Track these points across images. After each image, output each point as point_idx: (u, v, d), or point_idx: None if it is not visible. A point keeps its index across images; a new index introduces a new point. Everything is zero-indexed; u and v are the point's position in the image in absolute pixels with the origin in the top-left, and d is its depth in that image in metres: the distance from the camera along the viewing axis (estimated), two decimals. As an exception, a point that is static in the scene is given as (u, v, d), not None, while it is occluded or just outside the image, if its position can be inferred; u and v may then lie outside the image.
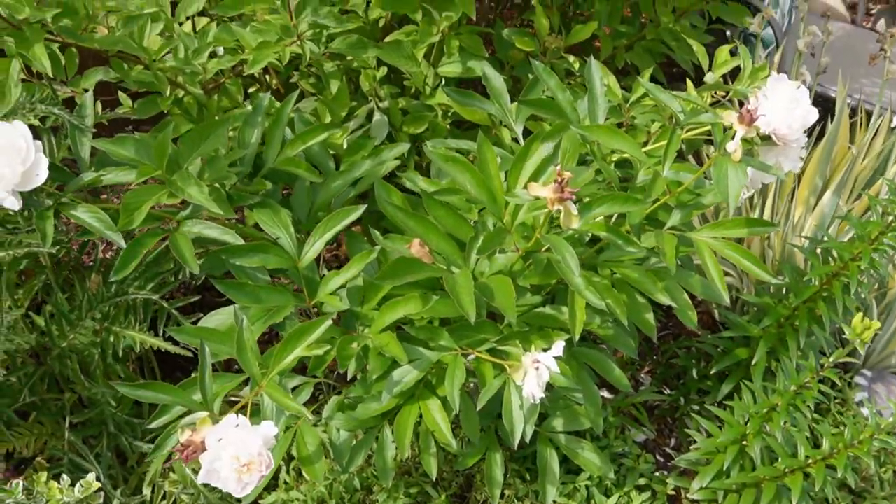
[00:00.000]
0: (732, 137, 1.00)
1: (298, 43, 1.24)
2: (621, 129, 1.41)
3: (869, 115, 1.91)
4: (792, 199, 1.69)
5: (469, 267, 1.05)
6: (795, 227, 1.65)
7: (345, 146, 1.42)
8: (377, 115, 1.52)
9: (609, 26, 1.72)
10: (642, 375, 1.71)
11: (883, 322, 1.56)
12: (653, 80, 1.63)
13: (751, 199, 1.72)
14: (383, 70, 1.54)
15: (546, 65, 1.54)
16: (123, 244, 1.03)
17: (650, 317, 1.18)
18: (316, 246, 1.09)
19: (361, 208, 1.11)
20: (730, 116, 1.01)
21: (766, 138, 1.07)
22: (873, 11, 3.58)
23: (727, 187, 0.99)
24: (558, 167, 0.92)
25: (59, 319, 1.20)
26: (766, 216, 1.68)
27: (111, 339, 1.18)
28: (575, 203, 0.93)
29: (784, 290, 1.45)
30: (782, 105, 1.05)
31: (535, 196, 0.93)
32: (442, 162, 1.04)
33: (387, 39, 1.51)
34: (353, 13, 1.51)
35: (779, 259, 1.63)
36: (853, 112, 1.95)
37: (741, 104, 1.11)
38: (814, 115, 1.07)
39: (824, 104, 2.22)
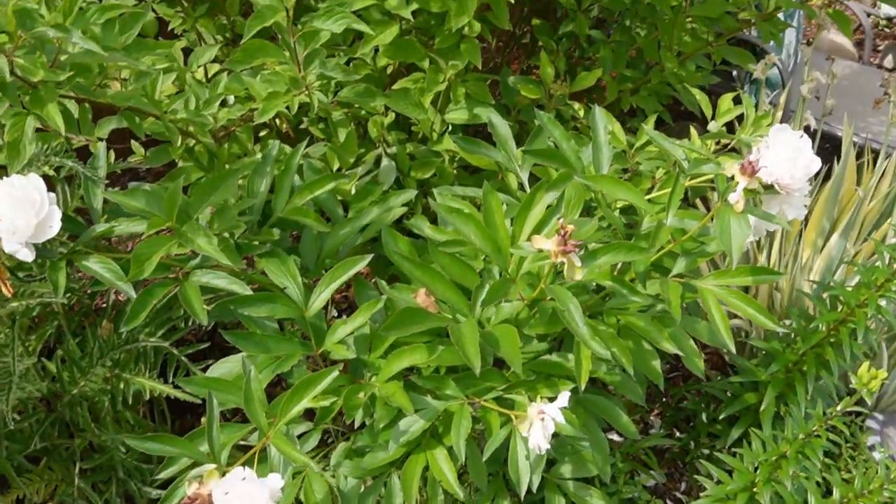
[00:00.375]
0: (735, 189, 1.01)
1: (307, 93, 1.27)
2: (626, 173, 1.43)
3: (876, 154, 1.91)
4: (799, 240, 1.69)
5: (475, 316, 1.06)
6: (803, 269, 1.65)
7: (353, 192, 1.44)
8: (385, 161, 1.54)
9: (614, 71, 1.74)
10: (652, 418, 1.70)
11: (892, 366, 1.55)
12: (658, 120, 1.65)
13: (758, 241, 1.72)
14: (391, 116, 1.57)
15: (551, 111, 1.56)
16: (134, 295, 1.04)
17: (657, 364, 1.18)
18: (323, 296, 1.10)
19: (367, 258, 1.12)
20: (732, 168, 1.02)
21: (770, 187, 1.08)
22: (881, 47, 3.60)
23: (730, 239, 0.99)
24: (561, 220, 0.93)
25: (71, 366, 1.22)
26: (774, 257, 1.68)
27: (121, 385, 1.19)
28: (579, 253, 0.94)
29: (792, 334, 1.44)
30: (785, 155, 1.06)
31: (538, 249, 0.94)
32: (446, 214, 1.06)
33: (395, 87, 1.54)
34: (360, 61, 1.55)
35: (787, 301, 1.63)
36: (860, 152, 1.96)
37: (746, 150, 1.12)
38: (816, 164, 1.08)
39: (832, 142, 2.24)
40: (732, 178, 1.02)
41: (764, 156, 1.05)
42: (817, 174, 1.94)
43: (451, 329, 1.01)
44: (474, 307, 1.06)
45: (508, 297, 1.05)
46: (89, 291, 1.28)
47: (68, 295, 1.26)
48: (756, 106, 1.75)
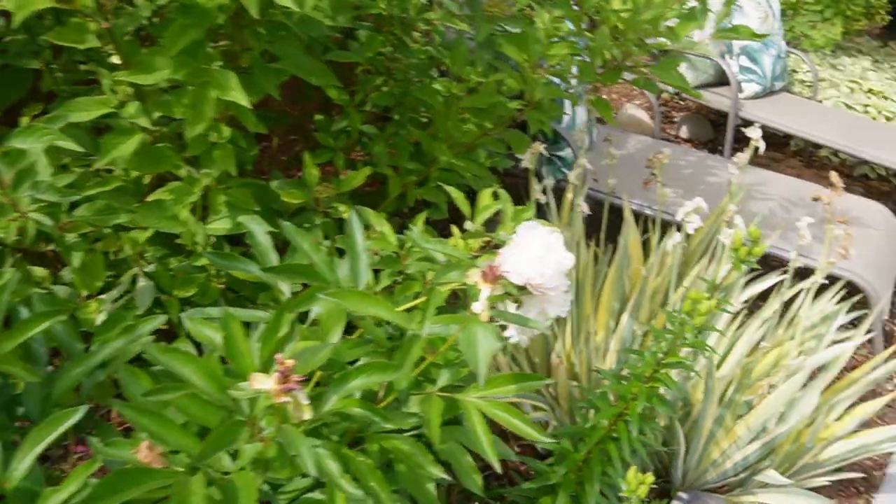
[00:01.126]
0: (478, 297, 0.95)
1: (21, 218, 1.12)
2: (401, 275, 1.36)
3: (666, 225, 1.97)
4: (592, 321, 1.68)
5: (208, 467, 0.92)
6: (598, 350, 1.64)
7: (101, 320, 1.28)
8: (142, 281, 1.40)
9: (396, 164, 1.70)
10: (466, 525, 1.60)
11: (690, 442, 1.55)
12: (451, 212, 1.59)
13: (553, 325, 1.70)
14: (150, 231, 1.43)
15: (319, 214, 1.48)
16: None
17: (432, 487, 1.09)
18: (27, 461, 0.93)
19: (83, 410, 0.97)
20: (474, 275, 0.96)
21: (524, 288, 1.03)
22: (676, 119, 3.86)
23: (476, 352, 0.93)
24: (279, 356, 0.83)
25: None
26: (567, 340, 1.66)
27: None
28: (305, 389, 0.84)
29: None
30: (534, 254, 1.01)
31: (257, 389, 0.83)
32: (160, 355, 0.93)
33: (149, 198, 1.41)
34: (111, 173, 1.41)
35: (587, 386, 1.60)
36: (654, 223, 2.02)
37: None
38: (569, 260, 1.04)
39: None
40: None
41: (512, 256, 1.00)
42: (615, 250, 1.98)
43: (175, 488, 0.87)
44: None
45: (236, 443, 0.92)
46: None
47: None
48: (527, 193, 1.76)
